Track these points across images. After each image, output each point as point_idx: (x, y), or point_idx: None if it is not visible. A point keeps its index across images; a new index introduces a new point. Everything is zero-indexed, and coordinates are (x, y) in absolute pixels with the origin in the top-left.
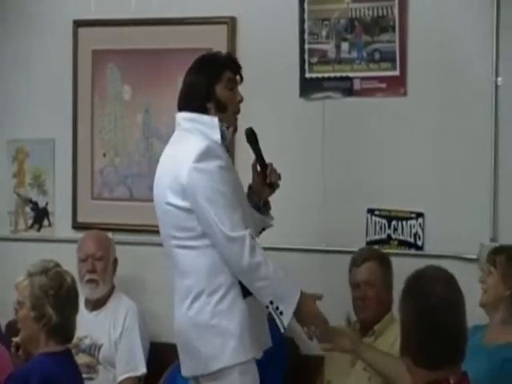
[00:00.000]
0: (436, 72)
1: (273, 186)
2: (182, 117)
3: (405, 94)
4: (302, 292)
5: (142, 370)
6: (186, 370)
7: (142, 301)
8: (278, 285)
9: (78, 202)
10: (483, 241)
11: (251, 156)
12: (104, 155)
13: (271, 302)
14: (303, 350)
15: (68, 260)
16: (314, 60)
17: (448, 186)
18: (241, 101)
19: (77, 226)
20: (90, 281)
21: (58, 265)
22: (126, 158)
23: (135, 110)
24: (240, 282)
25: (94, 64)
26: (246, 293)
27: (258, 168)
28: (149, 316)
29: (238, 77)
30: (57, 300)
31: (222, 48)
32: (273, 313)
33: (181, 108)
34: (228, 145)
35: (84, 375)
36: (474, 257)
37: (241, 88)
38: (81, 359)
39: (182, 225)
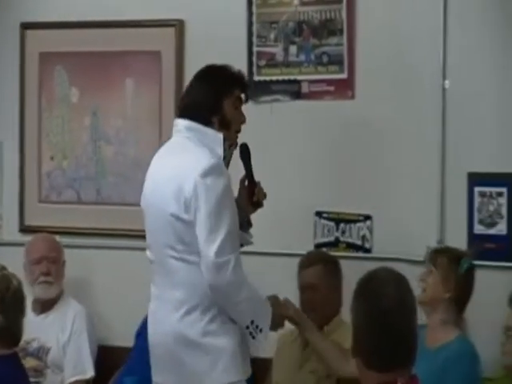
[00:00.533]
0: (384, 75)
1: (257, 205)
2: (185, 125)
3: (353, 96)
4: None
5: (90, 373)
6: (164, 379)
7: (90, 304)
8: (256, 303)
9: (25, 205)
10: (430, 243)
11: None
12: (51, 158)
13: (252, 322)
14: (251, 352)
15: (15, 263)
16: (262, 63)
17: (396, 188)
18: (243, 122)
19: (24, 229)
20: (44, 282)
21: (4, 268)
22: (74, 160)
23: (83, 113)
24: None
25: (41, 66)
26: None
27: (246, 184)
28: (97, 319)
29: (243, 96)
30: (3, 303)
31: (170, 50)
32: (253, 332)
33: (183, 115)
34: (227, 165)
35: (32, 379)
36: (421, 259)
37: None
38: (28, 363)
39: (183, 238)
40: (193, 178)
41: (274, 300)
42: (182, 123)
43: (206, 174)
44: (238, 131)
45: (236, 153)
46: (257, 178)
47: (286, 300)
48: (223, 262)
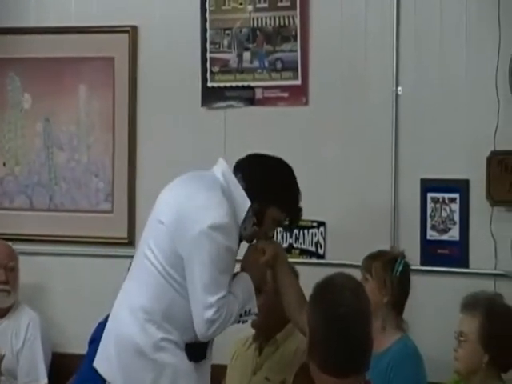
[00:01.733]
0: (337, 81)
1: None
2: (228, 173)
3: (306, 103)
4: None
5: (44, 380)
6: (103, 369)
7: (43, 311)
8: (242, 300)
9: None
10: (383, 249)
11: None
12: (4, 164)
13: (241, 315)
14: None
15: None
16: (216, 69)
17: (349, 194)
18: (264, 237)
19: None
20: (1, 291)
21: None
22: (27, 167)
23: (35, 119)
24: (188, 349)
25: None
26: (191, 358)
27: None
28: (50, 326)
29: (285, 222)
30: None
31: (123, 56)
32: (244, 318)
33: (238, 167)
34: (245, 237)
35: None
36: None
37: (141, 100)
38: None
39: (169, 257)
40: (201, 224)
41: (250, 250)
42: (227, 168)
43: (215, 228)
44: (257, 238)
45: None
46: None
47: (261, 245)
48: (214, 320)
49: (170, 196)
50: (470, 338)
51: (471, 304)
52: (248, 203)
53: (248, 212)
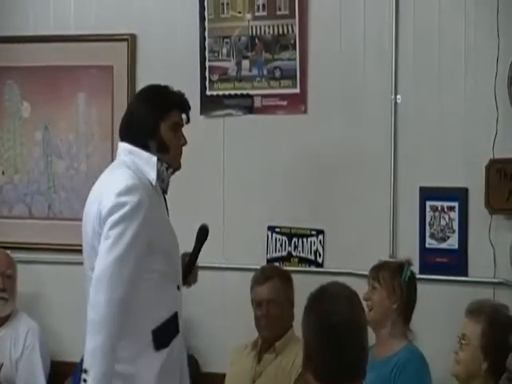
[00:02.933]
0: (336, 90)
1: (187, 284)
2: (123, 148)
3: (305, 111)
4: None
5: None
6: None
7: (42, 319)
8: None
9: None
10: (382, 257)
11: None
12: (3, 173)
13: (85, 371)
14: (204, 367)
15: None
16: (215, 77)
17: (348, 202)
18: (183, 144)
19: None
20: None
21: None
22: (25, 175)
23: (34, 128)
24: (155, 334)
25: None
26: (159, 345)
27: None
28: (49, 334)
29: (184, 117)
30: None
31: (122, 65)
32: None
33: (122, 137)
34: (166, 186)
35: None
36: None
37: None
38: None
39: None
40: (109, 198)
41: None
42: (121, 146)
43: (120, 194)
44: (179, 154)
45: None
46: (210, 192)
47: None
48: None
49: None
50: (471, 343)
51: (476, 310)
52: (154, 158)
53: (160, 165)
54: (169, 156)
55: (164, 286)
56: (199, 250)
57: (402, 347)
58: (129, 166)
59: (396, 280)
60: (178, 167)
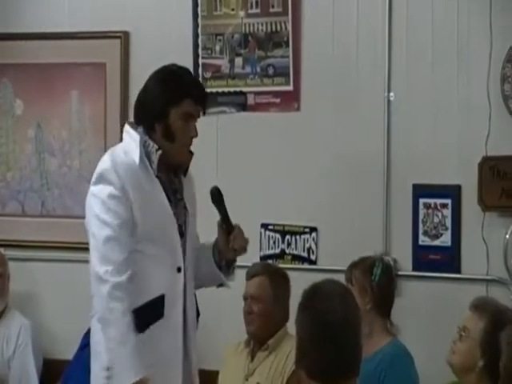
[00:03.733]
0: (329, 87)
1: (236, 251)
2: (126, 127)
3: (298, 108)
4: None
5: None
6: None
7: (35, 317)
8: (115, 356)
9: None
10: (365, 255)
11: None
12: None
13: (108, 369)
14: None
15: None
16: (208, 75)
17: (341, 200)
18: (194, 137)
19: None
20: None
21: None
22: (18, 172)
23: (27, 125)
24: (136, 313)
25: None
26: (142, 327)
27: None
28: (41, 332)
29: (199, 108)
30: None
31: (115, 62)
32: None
33: (134, 117)
34: (156, 168)
35: None
36: None
37: (132, 106)
38: None
39: None
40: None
41: None
42: (126, 126)
43: (94, 183)
44: (187, 146)
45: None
46: (203, 189)
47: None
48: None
49: None
50: (471, 336)
51: (481, 306)
52: (136, 137)
53: (144, 146)
54: (174, 146)
55: (149, 268)
56: (225, 212)
57: (386, 343)
58: (121, 147)
59: (366, 280)
60: (183, 162)
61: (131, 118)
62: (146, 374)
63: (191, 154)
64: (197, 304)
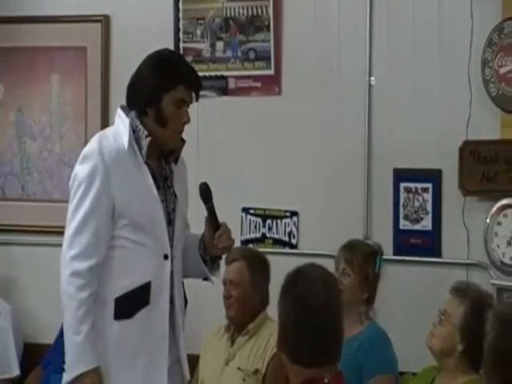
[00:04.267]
0: (310, 71)
1: (220, 250)
2: (117, 111)
3: (279, 92)
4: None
5: (16, 371)
6: None
7: (15, 301)
8: (68, 345)
9: None
10: (357, 239)
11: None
12: None
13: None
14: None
15: None
16: (189, 59)
17: (322, 184)
18: (186, 122)
19: None
20: None
21: None
22: None
23: (7, 109)
24: (118, 301)
25: None
26: (119, 315)
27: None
28: (22, 316)
29: (193, 94)
30: None
31: (96, 46)
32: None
33: (127, 100)
34: (145, 154)
35: None
36: None
37: (113, 90)
38: None
39: None
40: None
41: None
42: (118, 110)
43: (78, 163)
44: (178, 131)
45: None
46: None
47: None
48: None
49: None
50: (451, 320)
51: (462, 290)
52: (127, 122)
53: (134, 131)
54: (165, 131)
55: (135, 255)
56: (212, 210)
57: (366, 326)
58: (112, 130)
59: (369, 267)
60: (174, 148)
61: (112, 103)
62: (99, 365)
63: (183, 141)
64: (184, 292)
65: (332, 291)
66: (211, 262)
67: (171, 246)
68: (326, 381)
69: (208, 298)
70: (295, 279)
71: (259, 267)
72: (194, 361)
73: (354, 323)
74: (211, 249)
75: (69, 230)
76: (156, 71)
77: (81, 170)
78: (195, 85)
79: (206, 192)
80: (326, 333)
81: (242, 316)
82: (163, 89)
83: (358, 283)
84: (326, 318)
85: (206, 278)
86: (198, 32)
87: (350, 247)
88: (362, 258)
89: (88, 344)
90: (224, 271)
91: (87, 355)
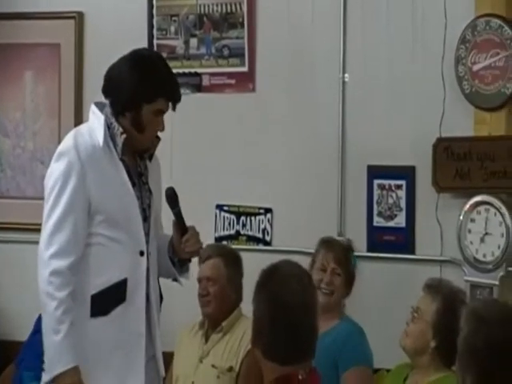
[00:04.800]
0: (285, 68)
1: (188, 254)
2: (91, 107)
3: (253, 89)
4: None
5: None
6: None
7: None
8: (47, 344)
9: None
10: (330, 236)
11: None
12: None
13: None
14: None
15: None
16: (163, 56)
17: (296, 181)
18: (161, 131)
19: None
20: None
21: None
22: None
23: None
24: (94, 298)
25: None
26: (95, 312)
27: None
28: None
29: (170, 104)
30: None
31: (69, 43)
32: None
33: (104, 91)
34: (120, 151)
35: None
36: None
37: (87, 86)
38: None
39: None
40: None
41: None
42: (92, 106)
43: (53, 160)
44: (154, 137)
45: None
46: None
47: None
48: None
49: None
50: (424, 317)
51: (435, 287)
52: (101, 118)
53: (115, 129)
54: (140, 136)
55: (111, 251)
56: (179, 214)
57: (339, 321)
58: (86, 127)
59: (350, 265)
60: (148, 149)
61: (86, 99)
62: (78, 364)
63: (158, 138)
64: (160, 288)
65: (307, 288)
66: (180, 265)
67: (147, 242)
68: (300, 377)
69: (181, 295)
70: (271, 276)
71: (234, 263)
72: (168, 358)
73: (331, 319)
74: (179, 252)
75: (46, 229)
76: (139, 79)
77: (56, 167)
78: (176, 98)
79: (172, 197)
80: (300, 330)
81: (219, 312)
82: (144, 100)
83: (345, 282)
84: (300, 316)
85: (175, 279)
86: (172, 29)
87: (335, 246)
88: (345, 256)
89: (67, 343)
90: (199, 269)
91: (66, 354)
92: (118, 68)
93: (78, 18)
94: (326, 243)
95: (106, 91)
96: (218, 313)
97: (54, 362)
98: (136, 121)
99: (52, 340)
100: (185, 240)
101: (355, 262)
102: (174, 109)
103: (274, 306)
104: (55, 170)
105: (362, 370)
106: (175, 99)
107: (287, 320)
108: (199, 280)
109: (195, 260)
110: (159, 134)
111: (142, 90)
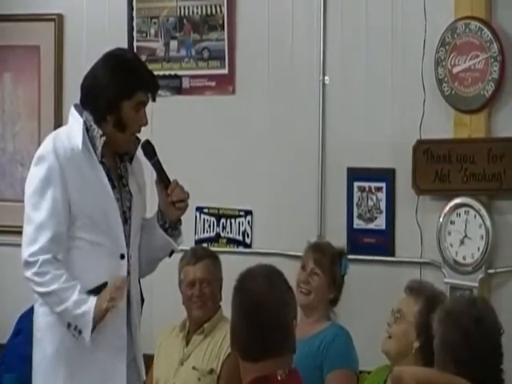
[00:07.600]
0: (265, 70)
1: (179, 206)
2: (71, 111)
3: (233, 92)
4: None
5: None
6: None
7: None
8: (72, 308)
9: None
10: (310, 238)
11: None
12: None
13: (69, 325)
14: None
15: None
16: (143, 58)
17: (276, 183)
18: (144, 125)
19: None
20: None
21: None
22: None
23: None
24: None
25: None
26: None
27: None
28: None
29: (149, 95)
30: None
31: (49, 45)
32: (73, 332)
33: (82, 102)
34: (100, 154)
35: None
36: (302, 254)
37: (67, 88)
38: None
39: None
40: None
41: None
42: (72, 109)
43: (33, 164)
44: (136, 134)
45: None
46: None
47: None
48: (31, 262)
49: None
50: (406, 318)
51: (417, 289)
52: (80, 121)
53: (95, 131)
54: (123, 136)
55: (92, 255)
56: (159, 166)
57: (328, 326)
58: (65, 130)
59: (336, 269)
60: (128, 150)
61: (65, 101)
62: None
63: (138, 140)
64: (141, 291)
65: (275, 287)
66: (172, 229)
67: (127, 244)
68: (279, 378)
69: (161, 298)
70: (242, 279)
71: (218, 265)
72: (148, 360)
73: (317, 322)
74: (168, 211)
75: (26, 235)
76: (114, 79)
77: (36, 171)
78: (153, 87)
79: (147, 147)
80: (269, 328)
81: (209, 314)
82: (123, 98)
83: (327, 284)
84: (268, 313)
85: (171, 253)
86: (152, 31)
87: (319, 248)
88: (330, 259)
89: (78, 300)
90: (190, 272)
91: (83, 303)
92: (92, 72)
93: (58, 20)
94: (313, 245)
95: (83, 102)
96: (209, 314)
97: (81, 315)
98: (118, 121)
99: (69, 303)
100: (170, 190)
101: (346, 268)
102: (153, 99)
103: (243, 307)
104: (35, 174)
105: (344, 373)
106: (153, 89)
107: (254, 319)
108: (192, 283)
109: (174, 259)
110: (139, 135)
111: (118, 87)
